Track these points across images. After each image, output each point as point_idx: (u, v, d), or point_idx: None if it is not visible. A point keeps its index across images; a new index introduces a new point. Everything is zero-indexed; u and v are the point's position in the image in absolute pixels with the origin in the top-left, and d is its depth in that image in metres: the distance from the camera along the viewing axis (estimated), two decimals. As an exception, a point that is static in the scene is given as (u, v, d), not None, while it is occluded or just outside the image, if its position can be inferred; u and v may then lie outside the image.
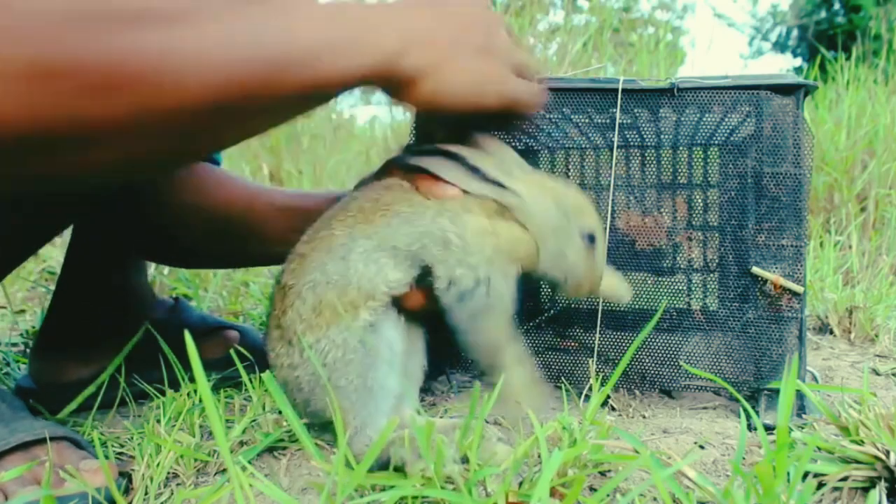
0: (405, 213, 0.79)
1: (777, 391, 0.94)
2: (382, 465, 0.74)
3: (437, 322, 0.88)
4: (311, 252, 0.80)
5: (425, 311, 0.83)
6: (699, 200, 1.06)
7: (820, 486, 0.71)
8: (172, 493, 0.77)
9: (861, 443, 0.74)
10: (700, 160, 1.06)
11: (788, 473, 0.64)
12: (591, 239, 0.82)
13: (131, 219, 1.08)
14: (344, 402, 0.77)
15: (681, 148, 1.06)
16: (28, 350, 1.36)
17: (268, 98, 0.63)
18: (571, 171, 1.08)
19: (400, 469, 0.72)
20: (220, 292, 1.86)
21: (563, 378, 1.03)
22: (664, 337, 1.03)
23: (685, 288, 1.06)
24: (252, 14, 0.62)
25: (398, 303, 0.82)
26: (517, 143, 1.06)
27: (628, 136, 1.04)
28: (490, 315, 0.79)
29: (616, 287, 0.93)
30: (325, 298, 0.78)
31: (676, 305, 1.06)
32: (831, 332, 1.47)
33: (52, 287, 1.14)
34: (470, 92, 0.75)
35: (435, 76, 0.72)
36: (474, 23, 0.77)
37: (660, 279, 1.06)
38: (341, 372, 0.77)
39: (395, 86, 0.72)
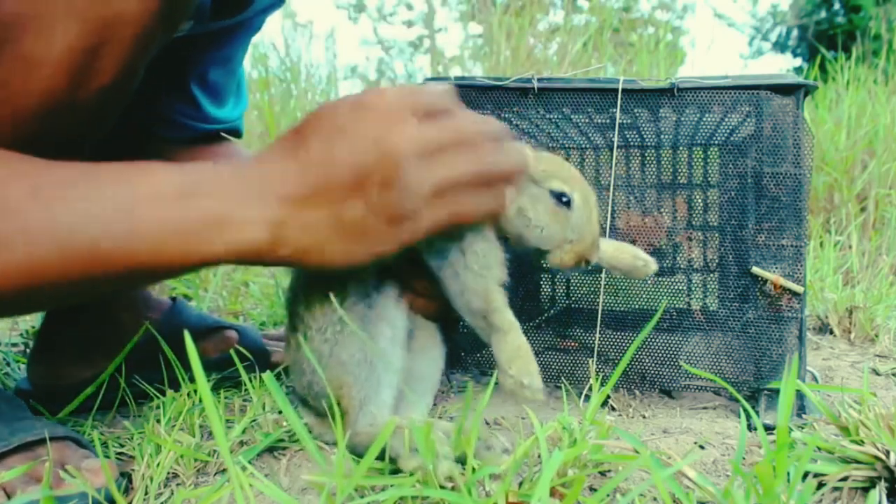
0: None
1: (777, 391, 0.94)
2: (378, 455, 0.74)
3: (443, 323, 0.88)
4: None
5: (428, 295, 0.82)
6: (699, 200, 1.06)
7: (820, 486, 0.71)
8: (172, 493, 0.77)
9: (861, 443, 0.74)
10: (700, 160, 1.06)
11: (788, 473, 0.64)
12: (561, 199, 0.80)
13: None
14: (346, 378, 0.77)
15: (681, 148, 1.06)
16: (28, 350, 1.35)
17: (120, 275, 0.65)
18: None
19: (394, 462, 0.72)
20: (219, 292, 1.87)
21: (563, 378, 1.03)
22: (664, 337, 1.03)
23: (685, 288, 1.07)
24: (92, 198, 0.62)
25: (402, 289, 0.83)
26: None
27: (628, 136, 1.04)
28: (473, 274, 0.78)
29: (633, 260, 0.90)
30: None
31: (676, 305, 1.06)
32: (831, 332, 1.47)
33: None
34: (364, 255, 0.68)
35: (317, 254, 0.67)
36: (369, 168, 0.65)
37: (660, 279, 1.06)
38: (342, 346, 0.78)
39: (270, 264, 0.70)
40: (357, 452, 0.78)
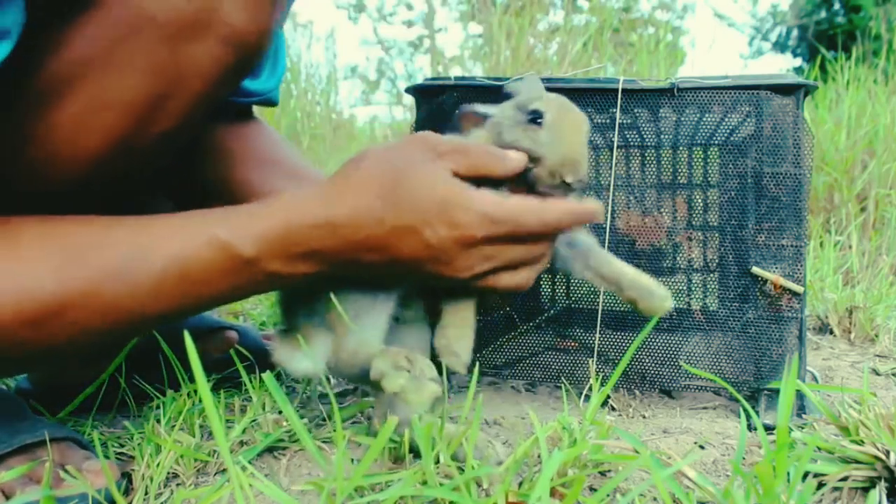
0: None
1: (777, 391, 0.94)
2: (363, 375, 0.75)
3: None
4: None
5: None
6: (699, 200, 1.06)
7: (820, 486, 0.71)
8: (172, 493, 0.77)
9: (861, 443, 0.74)
10: (700, 160, 1.06)
11: (788, 473, 0.64)
12: (533, 115, 0.80)
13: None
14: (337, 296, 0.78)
15: (681, 148, 1.06)
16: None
17: (178, 321, 0.74)
18: None
19: (377, 386, 0.73)
20: (220, 292, 1.86)
21: (563, 378, 1.03)
22: (664, 337, 1.03)
23: (685, 288, 1.07)
24: (143, 276, 0.67)
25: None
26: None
27: (628, 136, 1.04)
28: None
29: (648, 293, 0.85)
30: None
31: (676, 305, 1.06)
32: (831, 332, 1.47)
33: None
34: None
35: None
36: (414, 266, 0.72)
37: (660, 279, 1.06)
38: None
39: None
40: (338, 371, 0.79)
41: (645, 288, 0.81)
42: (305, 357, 0.80)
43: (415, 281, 0.77)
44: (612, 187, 1.03)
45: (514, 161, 0.75)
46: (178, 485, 0.79)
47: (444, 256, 0.71)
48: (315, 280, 0.73)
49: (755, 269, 0.98)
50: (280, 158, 1.11)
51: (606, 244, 1.03)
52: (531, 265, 0.76)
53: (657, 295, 0.81)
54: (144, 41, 0.67)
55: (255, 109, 1.20)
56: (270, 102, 1.17)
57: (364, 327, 0.78)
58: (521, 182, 0.78)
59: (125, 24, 0.67)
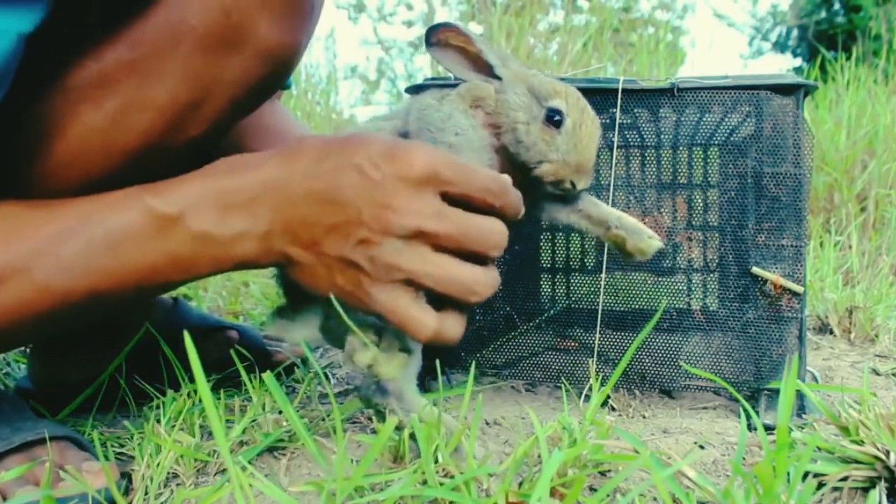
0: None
1: (777, 391, 0.94)
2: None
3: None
4: None
5: None
6: (699, 200, 1.06)
7: (820, 486, 0.71)
8: (172, 493, 0.77)
9: (861, 443, 0.74)
10: (700, 160, 1.06)
11: (788, 473, 0.64)
12: (556, 119, 0.81)
13: None
14: None
15: (681, 148, 1.06)
16: (28, 350, 1.35)
17: (115, 302, 0.71)
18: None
19: (350, 360, 0.74)
20: (219, 292, 1.87)
21: (563, 378, 1.03)
22: (664, 337, 1.03)
23: (685, 288, 1.07)
24: (72, 249, 0.67)
25: None
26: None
27: (628, 136, 1.04)
28: (451, 147, 0.80)
29: (636, 231, 0.85)
30: None
31: (676, 305, 1.06)
32: (831, 332, 1.47)
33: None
34: (331, 290, 0.68)
35: (299, 271, 0.69)
36: (360, 218, 0.64)
37: (660, 279, 1.06)
38: None
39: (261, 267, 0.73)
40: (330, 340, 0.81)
41: (632, 226, 0.82)
42: (301, 326, 0.81)
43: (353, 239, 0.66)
44: (612, 187, 1.03)
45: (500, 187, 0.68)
46: (178, 485, 0.79)
47: (386, 194, 0.64)
48: (259, 256, 0.68)
49: (755, 269, 0.98)
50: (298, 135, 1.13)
51: (606, 244, 1.03)
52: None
53: (645, 232, 0.81)
54: (184, 50, 0.70)
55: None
56: (284, 86, 1.17)
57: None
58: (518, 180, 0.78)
59: (167, 33, 0.70)
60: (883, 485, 0.70)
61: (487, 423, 0.95)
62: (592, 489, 0.74)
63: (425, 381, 1.09)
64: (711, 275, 1.06)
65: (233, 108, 0.77)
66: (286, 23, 0.74)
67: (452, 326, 0.67)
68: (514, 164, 0.83)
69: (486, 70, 0.85)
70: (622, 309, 1.05)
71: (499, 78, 0.85)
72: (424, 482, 0.65)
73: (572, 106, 0.81)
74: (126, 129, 0.71)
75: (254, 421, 0.90)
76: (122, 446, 0.91)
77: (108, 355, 1.07)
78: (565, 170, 0.82)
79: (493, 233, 0.67)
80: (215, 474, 0.81)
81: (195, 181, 0.69)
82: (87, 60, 0.70)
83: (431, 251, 0.65)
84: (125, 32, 0.70)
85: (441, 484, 0.64)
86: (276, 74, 0.77)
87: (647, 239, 0.81)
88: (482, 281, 0.66)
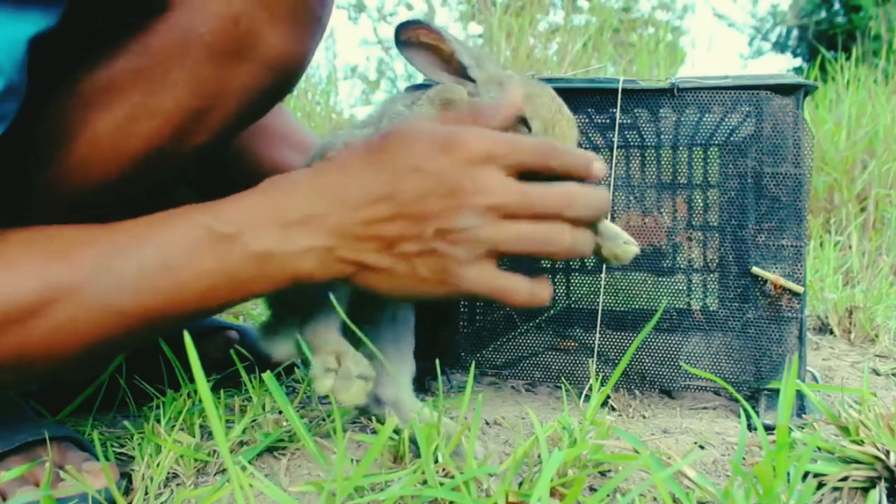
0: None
1: (777, 391, 0.94)
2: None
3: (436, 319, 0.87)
4: None
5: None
6: (699, 200, 1.06)
7: (820, 486, 0.71)
8: (172, 493, 0.77)
9: (861, 443, 0.74)
10: (700, 160, 1.06)
11: (788, 473, 0.64)
12: (525, 125, 0.79)
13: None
14: None
15: (681, 148, 1.06)
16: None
17: (172, 323, 0.69)
18: None
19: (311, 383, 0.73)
20: (220, 292, 1.86)
21: (563, 378, 1.03)
22: (664, 337, 1.03)
23: (685, 288, 1.07)
24: (126, 268, 0.65)
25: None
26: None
27: (628, 136, 1.04)
28: None
29: (612, 237, 0.82)
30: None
31: (676, 305, 1.06)
32: (831, 332, 1.47)
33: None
34: (408, 292, 0.67)
35: (365, 278, 0.67)
36: (433, 212, 0.64)
37: (660, 279, 1.06)
38: None
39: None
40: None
41: (609, 231, 0.79)
42: (284, 341, 0.82)
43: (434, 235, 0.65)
44: (611, 187, 1.03)
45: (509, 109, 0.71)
46: (178, 485, 0.79)
47: (450, 183, 0.63)
48: (321, 271, 0.66)
49: (755, 269, 0.98)
50: (302, 138, 1.14)
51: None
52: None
53: (621, 237, 0.78)
54: (192, 58, 0.71)
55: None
56: None
57: (317, 321, 0.78)
58: None
59: (176, 40, 0.70)
60: (883, 485, 0.70)
61: (487, 423, 0.95)
62: (592, 489, 0.74)
63: (425, 382, 1.09)
64: (711, 275, 1.06)
65: (239, 116, 0.77)
66: (295, 32, 0.74)
67: (542, 289, 0.69)
68: None
69: (460, 71, 0.82)
70: (622, 309, 1.05)
71: (472, 80, 0.82)
72: (424, 482, 0.65)
73: (542, 107, 0.79)
74: (135, 134, 0.72)
75: (254, 421, 0.90)
76: (122, 446, 0.91)
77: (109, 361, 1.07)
78: (536, 131, 0.80)
79: (563, 195, 0.66)
80: (215, 474, 0.81)
81: (250, 199, 0.67)
82: (96, 67, 0.71)
83: (507, 222, 0.65)
84: (134, 39, 0.71)
85: (441, 484, 0.65)
86: (283, 83, 0.77)
87: (622, 245, 0.78)
88: (562, 235, 0.67)
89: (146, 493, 0.76)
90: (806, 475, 0.72)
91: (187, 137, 0.74)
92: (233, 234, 0.65)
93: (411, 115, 0.81)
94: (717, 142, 1.03)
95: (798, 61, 8.72)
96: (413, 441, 0.74)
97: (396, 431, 0.76)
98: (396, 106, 0.84)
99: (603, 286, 1.03)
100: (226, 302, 0.68)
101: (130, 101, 0.71)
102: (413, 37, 0.82)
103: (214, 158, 0.95)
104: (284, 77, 0.77)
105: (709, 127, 1.01)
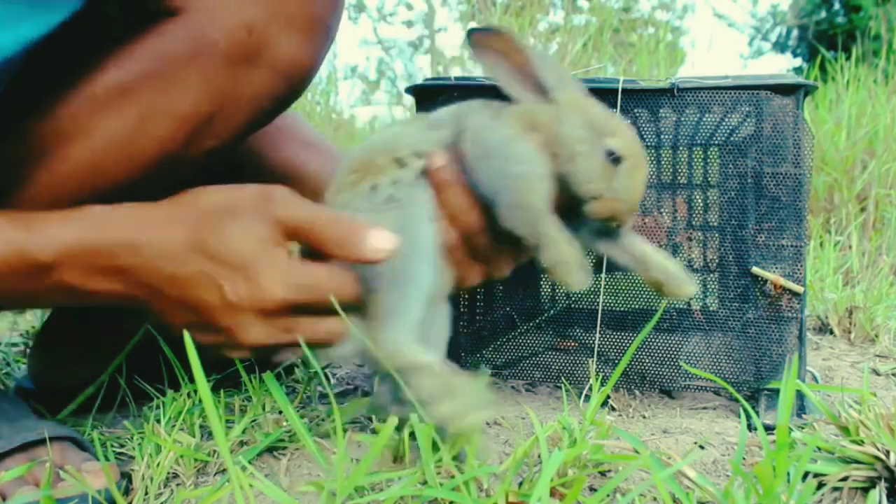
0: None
1: (777, 391, 0.94)
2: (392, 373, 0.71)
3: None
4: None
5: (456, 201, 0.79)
6: (699, 200, 1.06)
7: (820, 486, 0.71)
8: (172, 493, 0.77)
9: (861, 443, 0.74)
10: (700, 160, 1.06)
11: (788, 473, 0.64)
12: (614, 158, 0.80)
13: None
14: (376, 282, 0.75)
15: (681, 148, 1.06)
16: (28, 350, 1.36)
17: None
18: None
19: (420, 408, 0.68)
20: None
21: (563, 378, 1.03)
22: (664, 337, 1.03)
23: (685, 288, 1.06)
24: None
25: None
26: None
27: (628, 136, 1.04)
28: (518, 178, 0.77)
29: (674, 277, 0.84)
30: (360, 159, 0.80)
31: (676, 305, 1.06)
32: (831, 332, 1.47)
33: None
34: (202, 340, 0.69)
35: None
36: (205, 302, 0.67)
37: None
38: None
39: None
40: (376, 364, 0.74)
41: (671, 272, 0.82)
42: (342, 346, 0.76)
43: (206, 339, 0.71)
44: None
45: (375, 252, 0.68)
46: (178, 485, 0.79)
47: (239, 319, 0.67)
48: (126, 303, 0.70)
49: (755, 269, 0.98)
50: (312, 137, 1.15)
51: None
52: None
53: (681, 278, 0.82)
54: (204, 63, 0.72)
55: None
56: None
57: (400, 325, 0.74)
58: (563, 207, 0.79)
59: (189, 46, 0.72)
60: (883, 485, 0.70)
61: (487, 423, 0.95)
62: (592, 489, 0.74)
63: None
64: (711, 275, 1.06)
65: (249, 121, 0.79)
66: (306, 40, 0.76)
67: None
68: (565, 193, 0.81)
69: (540, 90, 0.81)
70: (622, 309, 1.05)
71: (552, 100, 0.81)
72: (424, 482, 0.65)
73: (630, 146, 0.80)
74: (146, 137, 0.73)
75: (254, 421, 0.90)
76: (122, 446, 0.91)
77: (108, 355, 1.07)
78: (617, 208, 0.81)
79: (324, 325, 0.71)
80: (215, 474, 0.81)
81: (69, 227, 0.68)
82: (110, 69, 0.71)
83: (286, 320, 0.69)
84: (148, 44, 0.72)
85: (441, 484, 0.65)
86: (293, 90, 0.79)
87: (682, 286, 0.82)
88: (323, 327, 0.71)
89: (146, 493, 0.76)
90: (806, 475, 0.72)
91: (198, 141, 0.75)
92: (47, 264, 0.67)
93: (495, 127, 0.80)
94: (717, 142, 1.03)
95: (798, 61, 8.72)
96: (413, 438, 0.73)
97: (399, 427, 0.76)
98: (478, 118, 0.81)
99: (603, 286, 1.03)
100: (22, 307, 0.72)
101: (143, 104, 0.72)
102: (492, 45, 0.81)
103: (226, 160, 0.96)
104: (295, 84, 0.78)
105: (709, 127, 1.01)
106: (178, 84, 0.72)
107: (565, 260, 0.76)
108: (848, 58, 3.63)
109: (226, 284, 0.66)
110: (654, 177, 1.06)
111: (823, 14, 8.41)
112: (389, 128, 0.84)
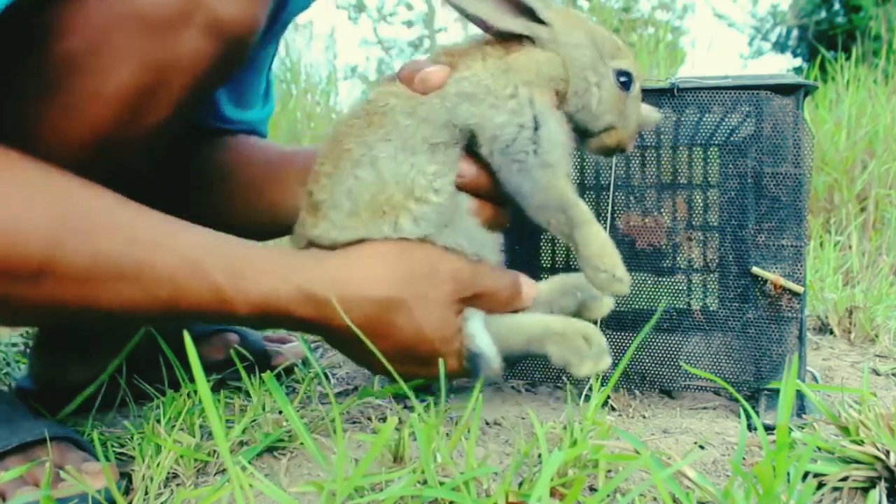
0: (406, 105, 0.74)
1: (777, 391, 0.94)
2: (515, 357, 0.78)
3: None
4: (335, 169, 0.76)
5: (493, 195, 0.78)
6: (699, 200, 1.06)
7: (820, 486, 0.71)
8: (172, 493, 0.77)
9: (861, 443, 0.74)
10: (700, 160, 1.06)
11: (788, 473, 0.64)
12: (626, 82, 0.74)
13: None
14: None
15: (681, 148, 1.06)
16: (28, 350, 1.36)
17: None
18: (571, 171, 1.08)
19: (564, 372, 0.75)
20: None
21: (563, 378, 1.03)
22: (664, 337, 1.03)
23: (685, 288, 1.06)
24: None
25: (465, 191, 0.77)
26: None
27: (628, 136, 1.04)
28: (544, 167, 0.72)
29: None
30: (363, 200, 0.74)
31: (676, 305, 1.06)
32: (831, 332, 1.47)
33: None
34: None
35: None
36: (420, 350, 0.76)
37: (660, 279, 1.06)
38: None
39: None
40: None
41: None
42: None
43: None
44: (612, 187, 1.03)
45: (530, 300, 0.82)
46: (178, 485, 0.79)
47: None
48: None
49: (755, 269, 0.98)
50: (276, 154, 1.11)
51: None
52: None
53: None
54: (131, 34, 0.67)
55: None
56: (259, 134, 1.16)
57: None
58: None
59: (113, 17, 0.66)
60: (883, 485, 0.70)
61: (487, 423, 0.95)
62: (592, 489, 0.74)
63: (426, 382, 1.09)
64: (711, 275, 1.06)
65: (190, 91, 0.73)
66: None
67: None
68: (574, 131, 0.76)
69: (524, 12, 0.73)
70: (622, 309, 1.05)
71: (543, 23, 0.73)
72: (424, 482, 0.65)
73: (636, 64, 0.75)
74: (80, 120, 0.69)
75: (254, 421, 0.90)
76: (122, 446, 0.91)
77: (107, 355, 1.07)
78: (624, 137, 0.77)
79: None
80: (215, 474, 0.81)
81: (272, 281, 0.70)
82: (34, 54, 0.67)
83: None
84: (72, 20, 0.66)
85: (441, 484, 0.64)
86: (231, 52, 0.74)
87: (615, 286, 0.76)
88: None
89: (146, 493, 0.76)
90: (806, 475, 0.72)
91: (139, 117, 0.71)
92: (241, 315, 0.69)
93: (510, 121, 0.73)
94: (717, 142, 1.03)
95: (798, 61, 8.72)
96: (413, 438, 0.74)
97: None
98: (488, 110, 0.73)
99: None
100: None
101: (73, 85, 0.68)
102: None
103: (247, 211, 0.99)
104: (232, 44, 0.73)
105: (709, 127, 1.01)
106: (107, 60, 0.67)
107: (606, 263, 0.71)
108: (848, 58, 3.63)
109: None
110: (654, 177, 1.06)
111: (823, 14, 8.41)
112: (369, 166, 0.74)
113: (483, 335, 0.77)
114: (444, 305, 0.75)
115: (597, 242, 0.71)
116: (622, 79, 0.74)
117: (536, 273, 1.13)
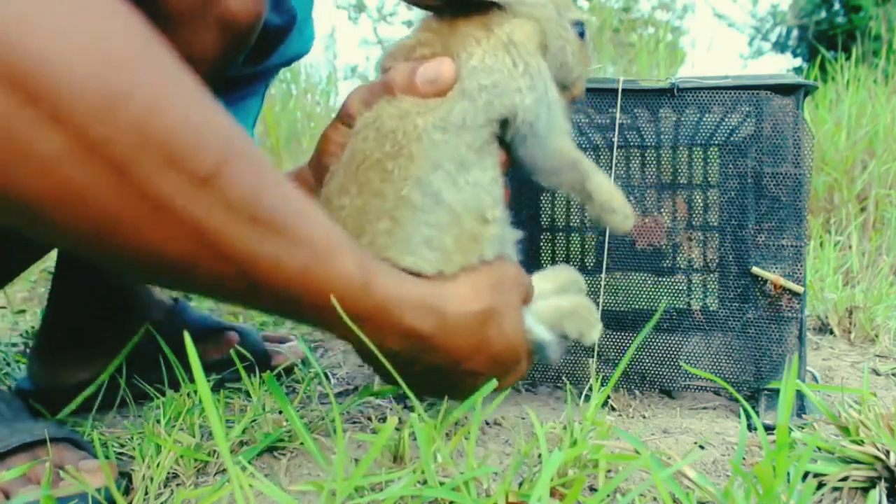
0: (434, 119, 0.68)
1: (777, 391, 0.94)
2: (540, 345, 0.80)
3: None
4: (395, 224, 0.68)
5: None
6: (699, 200, 1.06)
7: (820, 486, 0.71)
8: (172, 493, 0.77)
9: (861, 443, 0.74)
10: (700, 160, 1.06)
11: (788, 473, 0.64)
12: (581, 32, 0.76)
13: None
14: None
15: (681, 148, 1.06)
16: (28, 350, 1.36)
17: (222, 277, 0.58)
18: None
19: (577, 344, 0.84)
20: (220, 292, 1.85)
21: (563, 378, 1.03)
22: (664, 337, 1.03)
23: (685, 288, 1.06)
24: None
25: None
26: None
27: (628, 136, 1.04)
28: (556, 133, 0.72)
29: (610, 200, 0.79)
30: (447, 245, 0.69)
31: (676, 305, 1.06)
32: (831, 332, 1.47)
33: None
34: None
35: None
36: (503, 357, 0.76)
37: (660, 279, 1.06)
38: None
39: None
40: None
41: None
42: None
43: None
44: (612, 187, 1.03)
45: None
46: (178, 485, 0.79)
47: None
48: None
49: (755, 270, 0.98)
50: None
51: (606, 244, 1.03)
52: None
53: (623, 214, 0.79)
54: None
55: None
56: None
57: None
58: None
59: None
60: (883, 485, 0.70)
61: (487, 423, 0.95)
62: (592, 489, 0.74)
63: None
64: (711, 275, 1.06)
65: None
66: None
67: None
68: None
69: None
70: (622, 309, 1.05)
71: None
72: (424, 482, 0.65)
73: (578, 11, 0.77)
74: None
75: (254, 421, 0.90)
76: (122, 446, 0.90)
77: (107, 355, 1.07)
78: (583, 85, 0.79)
79: None
80: (215, 474, 0.81)
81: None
82: None
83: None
84: None
85: (441, 484, 0.64)
86: (236, 45, 0.73)
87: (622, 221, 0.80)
88: None
89: (146, 493, 0.76)
90: (806, 475, 0.72)
91: None
92: (441, 312, 0.68)
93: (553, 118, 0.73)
94: (717, 142, 1.03)
95: (798, 61, 8.72)
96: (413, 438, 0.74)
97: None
98: (535, 105, 0.72)
99: (603, 286, 1.03)
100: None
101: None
102: None
103: None
104: (239, 37, 0.72)
105: (709, 127, 1.01)
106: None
107: (618, 203, 0.77)
108: (848, 58, 3.63)
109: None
110: (654, 177, 1.06)
111: (823, 14, 8.40)
112: (434, 203, 0.69)
113: (538, 326, 0.80)
114: (517, 310, 0.76)
115: (606, 188, 0.77)
116: (579, 29, 0.76)
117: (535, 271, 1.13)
